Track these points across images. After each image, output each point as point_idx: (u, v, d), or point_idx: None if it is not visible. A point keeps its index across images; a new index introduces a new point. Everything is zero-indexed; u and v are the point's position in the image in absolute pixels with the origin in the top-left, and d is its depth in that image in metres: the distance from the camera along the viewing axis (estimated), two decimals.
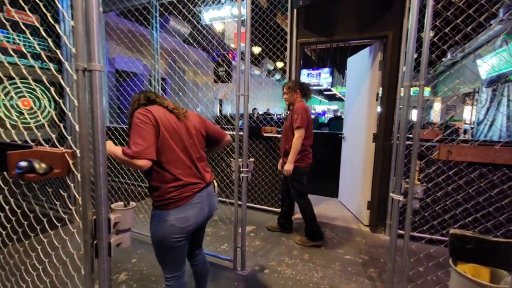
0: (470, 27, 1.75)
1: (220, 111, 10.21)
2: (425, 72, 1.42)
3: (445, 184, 2.31)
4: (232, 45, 5.04)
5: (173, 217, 1.20)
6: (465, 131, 7.29)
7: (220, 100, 10.16)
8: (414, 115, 1.66)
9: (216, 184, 1.48)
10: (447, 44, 2.03)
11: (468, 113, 9.00)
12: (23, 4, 1.06)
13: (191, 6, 2.57)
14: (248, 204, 3.09)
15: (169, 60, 2.87)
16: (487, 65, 4.91)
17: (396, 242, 1.57)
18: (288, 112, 2.69)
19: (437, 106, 11.31)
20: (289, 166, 2.42)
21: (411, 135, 2.36)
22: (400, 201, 1.51)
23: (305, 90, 2.59)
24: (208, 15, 3.52)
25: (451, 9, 2.06)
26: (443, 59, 7.15)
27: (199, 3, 3.10)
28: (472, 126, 6.95)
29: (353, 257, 2.41)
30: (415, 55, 1.47)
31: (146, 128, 1.14)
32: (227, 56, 3.22)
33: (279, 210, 3.25)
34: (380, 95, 2.85)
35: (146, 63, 5.32)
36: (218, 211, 2.95)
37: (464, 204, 2.30)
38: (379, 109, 2.87)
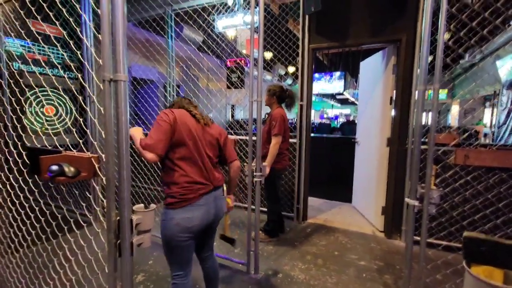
0: (486, 29, 1.73)
1: (232, 116, 10.32)
2: (440, 75, 1.41)
3: (463, 189, 2.25)
4: (244, 51, 5.13)
5: (178, 216, 1.26)
6: (485, 135, 7.03)
7: (232, 106, 10.28)
8: (429, 118, 1.64)
9: (225, 187, 1.52)
10: (463, 46, 2.00)
11: (488, 117, 8.68)
12: (54, 19, 1.14)
13: (205, 15, 2.66)
14: (261, 208, 3.11)
15: (184, 67, 2.96)
16: (506, 67, 4.75)
17: (412, 249, 1.54)
18: (267, 115, 2.77)
19: (454, 109, 10.97)
20: (266, 169, 2.48)
21: (426, 139, 2.32)
22: (416, 206, 1.49)
23: (283, 98, 2.69)
24: (222, 23, 3.61)
25: (467, 11, 2.03)
26: (460, 61, 6.96)
27: (213, 11, 3.19)
28: (493, 130, 6.70)
29: (368, 263, 2.37)
30: (430, 58, 1.46)
31: (163, 126, 1.24)
32: (240, 62, 3.28)
33: (292, 214, 3.25)
34: (394, 99, 2.82)
35: (161, 70, 5.49)
36: (232, 215, 2.98)
37: (483, 210, 2.23)
38: (393, 113, 2.84)
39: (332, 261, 2.39)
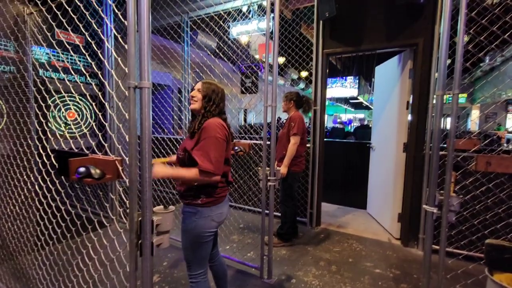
0: (508, 33, 1.68)
1: (245, 120, 10.39)
2: (459, 80, 1.39)
3: (484, 197, 2.17)
4: (257, 56, 5.18)
5: (214, 213, 1.33)
6: (508, 141, 6.74)
7: (245, 110, 10.36)
8: (448, 123, 1.59)
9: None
10: (484, 50, 1.95)
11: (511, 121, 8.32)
12: (83, 31, 1.22)
13: (220, 22, 2.73)
14: (274, 213, 3.12)
15: (199, 72, 3.04)
16: None
17: (431, 257, 1.50)
18: (285, 120, 2.85)
19: (475, 114, 10.59)
20: (284, 170, 2.56)
21: (445, 145, 2.26)
22: (434, 213, 1.46)
23: (301, 103, 2.77)
24: (236, 30, 3.68)
25: (487, 14, 1.98)
26: (480, 65, 6.74)
27: (228, 18, 3.26)
28: None
29: (384, 271, 2.32)
30: (448, 62, 1.44)
31: (222, 144, 1.29)
32: (254, 68, 3.33)
33: (305, 219, 3.23)
34: (410, 103, 2.77)
35: (174, 75, 5.63)
36: (245, 219, 3.01)
37: (507, 219, 2.14)
38: (409, 118, 2.78)
39: (347, 268, 2.35)
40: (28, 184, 1.50)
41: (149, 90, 0.95)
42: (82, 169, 0.98)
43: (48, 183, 1.33)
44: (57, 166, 1.16)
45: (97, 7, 1.15)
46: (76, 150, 1.18)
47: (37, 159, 1.38)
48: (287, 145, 2.60)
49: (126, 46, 0.96)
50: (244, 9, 3.39)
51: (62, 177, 1.15)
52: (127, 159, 0.99)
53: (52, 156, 1.25)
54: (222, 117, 1.40)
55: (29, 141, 1.57)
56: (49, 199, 1.32)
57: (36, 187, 1.41)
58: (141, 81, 0.93)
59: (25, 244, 1.59)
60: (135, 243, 0.99)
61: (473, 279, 1.83)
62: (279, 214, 3.10)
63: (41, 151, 1.33)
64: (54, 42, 1.47)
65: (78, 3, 1.25)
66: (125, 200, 1.01)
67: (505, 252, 0.93)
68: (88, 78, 3.34)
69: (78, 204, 1.27)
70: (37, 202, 1.41)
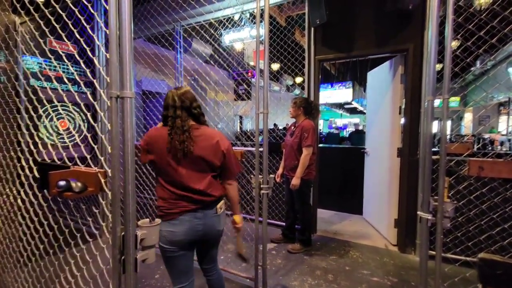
0: (495, 38, 1.70)
1: (241, 128, 10.37)
2: (449, 85, 1.38)
3: (479, 202, 2.16)
4: (252, 63, 5.20)
5: (165, 228, 1.28)
6: (502, 143, 6.80)
7: (240, 117, 10.35)
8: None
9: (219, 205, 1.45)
10: (473, 55, 1.97)
11: (504, 124, 8.42)
12: (65, 40, 1.19)
13: (211, 31, 2.73)
14: (269, 220, 3.07)
15: (191, 81, 3.02)
16: None
17: (427, 264, 1.47)
18: (294, 127, 2.77)
19: (468, 117, 10.71)
20: (296, 181, 2.56)
21: (439, 149, 2.26)
22: (429, 219, 1.44)
23: (311, 110, 2.74)
24: (228, 37, 3.70)
25: (475, 19, 2.01)
26: (471, 69, 6.84)
27: (219, 27, 3.27)
28: (510, 138, 6.47)
29: (381, 279, 2.28)
30: (439, 67, 1.44)
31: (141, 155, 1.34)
32: (245, 75, 3.32)
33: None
34: (403, 108, 2.77)
35: (169, 83, 5.61)
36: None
37: (502, 224, 2.12)
38: (402, 122, 2.79)
39: (343, 277, 2.31)
40: (11, 197, 1.45)
41: (131, 100, 0.92)
42: (62, 183, 0.95)
43: (31, 196, 1.28)
44: (38, 179, 1.12)
45: (79, 15, 1.13)
46: (59, 162, 1.14)
47: (20, 171, 1.33)
48: (298, 155, 2.59)
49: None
50: (236, 17, 3.41)
51: (44, 190, 1.11)
52: (109, 171, 0.96)
53: (35, 168, 1.21)
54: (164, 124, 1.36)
55: (19, 154, 1.52)
56: (31, 213, 1.27)
57: (19, 200, 1.36)
58: (122, 90, 0.90)
59: (8, 260, 1.53)
60: (118, 259, 0.95)
61: (472, 286, 1.80)
62: (275, 222, 3.05)
63: (23, 163, 1.28)
64: (37, 52, 1.44)
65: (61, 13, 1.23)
66: (108, 214, 0.97)
67: (497, 267, 0.91)
68: (69, 87, 3.29)
69: (60, 219, 1.22)
70: (19, 216, 1.36)
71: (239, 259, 1.72)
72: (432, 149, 1.45)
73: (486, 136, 6.45)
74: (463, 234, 2.30)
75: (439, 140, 1.83)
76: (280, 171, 2.93)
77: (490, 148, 5.26)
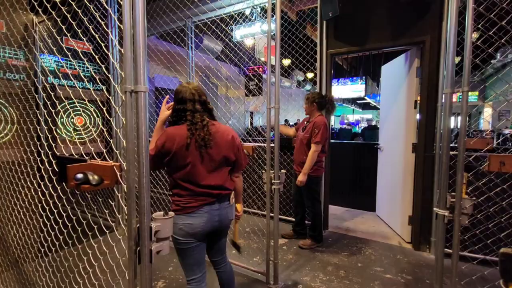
0: None
1: (251, 123, 10.38)
2: (468, 77, 1.33)
3: (499, 198, 2.08)
4: (263, 59, 5.17)
5: (182, 221, 1.29)
6: None
7: (251, 113, 10.35)
8: (459, 122, 1.52)
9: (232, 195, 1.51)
10: (494, 46, 1.88)
11: None
12: (81, 36, 1.22)
13: (223, 26, 2.72)
14: (280, 216, 3.07)
15: (203, 77, 3.04)
16: None
17: (443, 262, 1.44)
18: (306, 123, 2.73)
19: (487, 112, 10.30)
20: (303, 178, 2.53)
21: (456, 145, 2.18)
22: (446, 216, 1.40)
23: (325, 105, 2.68)
24: (239, 33, 3.68)
25: (496, 9, 1.91)
26: (491, 61, 6.56)
27: (231, 22, 3.26)
28: None
29: (394, 276, 2.24)
30: (457, 60, 1.38)
31: (155, 154, 1.35)
32: (257, 70, 3.31)
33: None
34: (418, 102, 2.69)
35: (181, 80, 5.67)
36: (251, 223, 2.97)
37: None
38: (418, 117, 2.71)
39: (355, 273, 2.29)
40: (32, 190, 1.51)
41: (145, 94, 0.93)
42: (79, 176, 0.97)
43: (50, 189, 1.33)
44: (57, 172, 1.16)
45: (95, 13, 1.15)
46: (77, 156, 1.18)
47: (40, 165, 1.38)
48: (307, 150, 2.55)
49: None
50: (247, 12, 3.39)
51: (63, 183, 1.15)
52: (125, 164, 0.98)
53: (54, 162, 1.25)
54: (180, 123, 1.33)
55: (39, 148, 1.58)
56: (51, 205, 1.32)
57: (39, 193, 1.42)
58: (136, 85, 0.92)
59: (29, 251, 1.60)
60: (134, 250, 0.97)
61: (489, 285, 1.74)
62: (286, 218, 3.05)
63: (43, 157, 1.33)
64: (54, 49, 1.48)
65: (81, 13, 1.25)
66: (123, 206, 1.00)
67: None
68: (86, 83, 3.38)
69: (78, 211, 1.26)
70: (40, 209, 1.41)
71: (234, 248, 1.72)
72: (450, 145, 1.40)
73: (507, 131, 6.19)
74: (481, 231, 2.23)
75: (456, 135, 1.77)
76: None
77: (510, 144, 5.05)
